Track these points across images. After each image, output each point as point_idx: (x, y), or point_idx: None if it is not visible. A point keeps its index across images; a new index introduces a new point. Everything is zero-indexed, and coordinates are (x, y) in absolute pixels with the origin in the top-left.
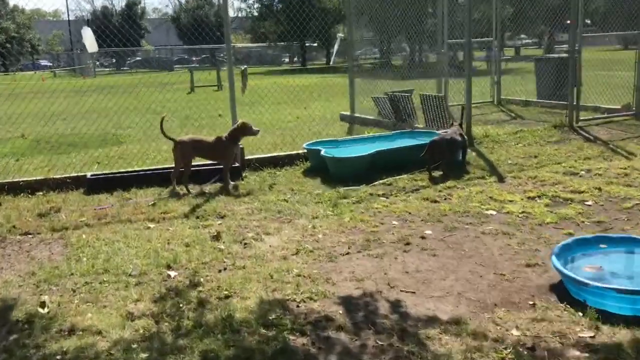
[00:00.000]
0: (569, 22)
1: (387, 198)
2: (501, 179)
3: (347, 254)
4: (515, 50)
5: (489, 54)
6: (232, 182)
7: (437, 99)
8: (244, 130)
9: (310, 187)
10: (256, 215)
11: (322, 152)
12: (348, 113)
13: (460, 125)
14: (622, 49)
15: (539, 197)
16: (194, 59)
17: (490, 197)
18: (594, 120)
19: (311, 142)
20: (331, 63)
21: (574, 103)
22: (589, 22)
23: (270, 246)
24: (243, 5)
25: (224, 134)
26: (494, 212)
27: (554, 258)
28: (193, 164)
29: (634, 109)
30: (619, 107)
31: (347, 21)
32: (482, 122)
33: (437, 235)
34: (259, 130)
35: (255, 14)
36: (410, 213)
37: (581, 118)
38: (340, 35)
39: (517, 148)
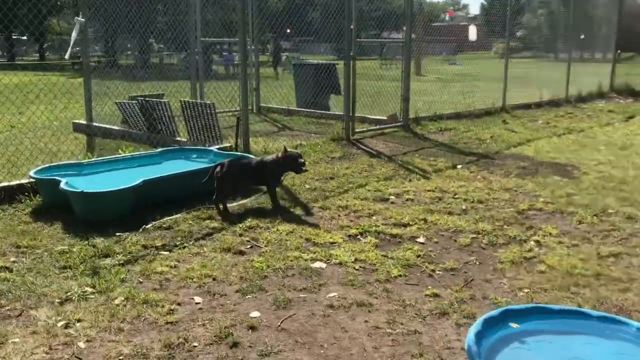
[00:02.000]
0: (288, 30)
1: (171, 252)
2: (308, 212)
3: None
4: None
5: (226, 56)
6: None
7: (205, 106)
8: None
9: (47, 239)
10: None
11: (63, 185)
12: (84, 121)
13: (286, 155)
14: (336, 58)
15: (361, 234)
16: None
17: (307, 240)
18: (368, 132)
19: (42, 167)
20: (67, 57)
21: (350, 114)
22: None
23: None
24: None
25: None
26: (323, 265)
27: None
28: None
29: (400, 120)
30: (385, 117)
31: (82, 10)
32: (251, 133)
33: (271, 320)
34: None
35: None
36: (215, 278)
37: (356, 130)
38: (79, 19)
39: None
